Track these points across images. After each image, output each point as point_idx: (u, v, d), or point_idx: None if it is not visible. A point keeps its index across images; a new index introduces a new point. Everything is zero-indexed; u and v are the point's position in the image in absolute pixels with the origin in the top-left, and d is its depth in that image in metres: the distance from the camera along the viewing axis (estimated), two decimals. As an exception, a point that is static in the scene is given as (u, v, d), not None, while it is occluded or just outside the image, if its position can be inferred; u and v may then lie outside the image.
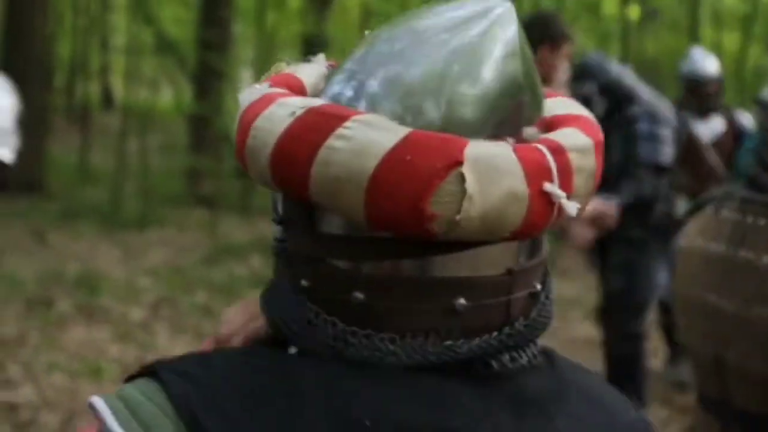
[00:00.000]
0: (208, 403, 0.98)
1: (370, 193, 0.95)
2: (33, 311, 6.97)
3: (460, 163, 0.94)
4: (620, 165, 4.71)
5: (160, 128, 16.48)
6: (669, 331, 6.01)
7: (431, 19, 1.03)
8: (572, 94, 4.63)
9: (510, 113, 1.01)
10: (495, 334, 1.03)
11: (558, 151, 0.99)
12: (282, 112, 1.01)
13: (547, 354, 1.11)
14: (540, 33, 4.63)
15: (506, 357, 1.05)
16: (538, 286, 1.07)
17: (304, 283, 1.05)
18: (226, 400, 0.97)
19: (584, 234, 4.71)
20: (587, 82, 4.77)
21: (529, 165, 0.96)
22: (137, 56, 14.84)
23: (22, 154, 4.50)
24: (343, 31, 16.51)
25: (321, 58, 1.18)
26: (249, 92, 1.09)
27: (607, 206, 4.63)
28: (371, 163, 0.94)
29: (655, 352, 6.27)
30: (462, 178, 0.94)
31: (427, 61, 1.00)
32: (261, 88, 1.09)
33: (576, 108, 1.10)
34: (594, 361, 5.01)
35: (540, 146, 0.98)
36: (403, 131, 0.95)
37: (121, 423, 0.98)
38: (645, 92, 4.88)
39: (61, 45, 17.59)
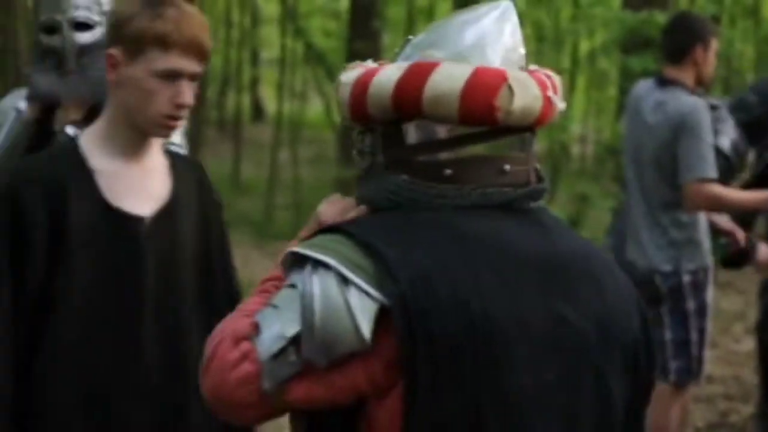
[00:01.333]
0: (376, 236, 1.72)
1: (462, 99, 1.74)
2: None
3: (506, 79, 1.75)
4: None
5: (310, 139, 16.59)
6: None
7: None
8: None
9: (518, 60, 1.83)
10: (524, 188, 1.82)
11: (549, 76, 1.83)
12: (391, 70, 1.78)
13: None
14: (691, 35, 4.76)
15: (530, 201, 1.83)
16: (538, 166, 1.86)
17: (404, 177, 1.80)
18: (385, 233, 1.74)
19: None
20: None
21: (540, 82, 1.79)
22: (287, 68, 14.97)
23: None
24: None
25: None
26: (352, 71, 1.87)
27: None
28: (460, 83, 1.74)
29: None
30: (510, 86, 1.74)
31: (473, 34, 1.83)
32: (360, 67, 1.88)
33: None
34: (753, 376, 4.74)
35: (542, 73, 1.82)
36: (467, 71, 1.75)
37: (326, 255, 1.71)
38: None
39: (213, 58, 17.88)
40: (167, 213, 2.51)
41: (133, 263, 2.44)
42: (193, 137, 11.62)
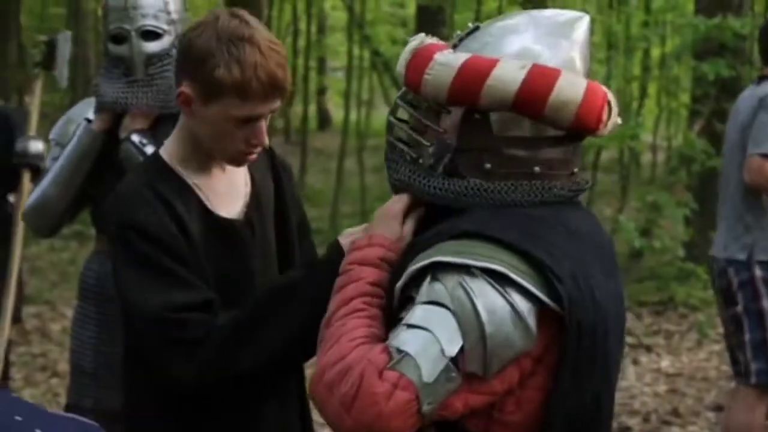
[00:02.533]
0: (513, 236, 1.81)
1: (581, 108, 1.88)
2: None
3: (607, 94, 1.94)
4: None
5: (376, 148, 16.56)
6: None
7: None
8: None
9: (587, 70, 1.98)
10: (584, 185, 2.01)
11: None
12: (513, 68, 1.88)
13: None
14: None
15: (581, 196, 2.03)
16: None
17: (487, 166, 1.92)
18: (517, 232, 1.84)
19: None
20: None
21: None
22: (354, 76, 14.95)
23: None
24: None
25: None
26: (416, 41, 1.98)
27: None
28: (580, 93, 1.88)
29: None
30: (609, 102, 1.94)
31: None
32: (422, 41, 1.99)
33: None
34: None
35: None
36: (583, 82, 1.91)
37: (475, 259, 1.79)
38: None
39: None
40: (256, 207, 2.45)
41: (243, 267, 2.38)
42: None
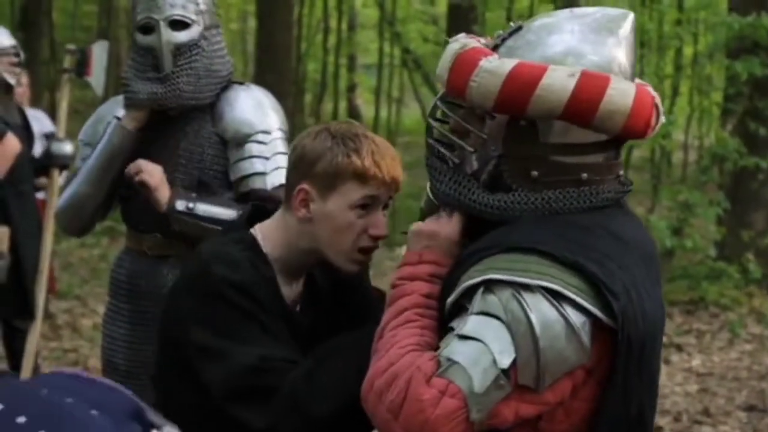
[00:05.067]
0: (562, 248, 1.79)
1: (630, 116, 1.85)
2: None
3: (654, 98, 1.92)
4: None
5: (407, 145, 16.56)
6: None
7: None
8: None
9: (632, 69, 1.94)
10: (628, 189, 2.00)
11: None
12: (562, 77, 1.83)
13: None
14: None
15: (625, 199, 2.03)
16: None
17: (534, 173, 1.90)
18: (564, 243, 1.81)
19: None
20: None
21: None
22: (384, 74, 14.94)
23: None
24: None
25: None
26: (458, 44, 1.93)
27: None
28: (630, 101, 1.84)
29: None
30: (657, 105, 1.92)
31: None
32: (465, 44, 1.93)
33: None
34: None
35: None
36: (633, 89, 1.87)
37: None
38: None
39: (310, 64, 17.97)
40: (312, 303, 2.45)
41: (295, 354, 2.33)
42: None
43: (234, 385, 2.20)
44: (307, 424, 2.15)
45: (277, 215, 2.39)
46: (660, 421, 6.00)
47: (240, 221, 2.47)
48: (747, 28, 8.75)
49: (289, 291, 2.38)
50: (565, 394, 1.79)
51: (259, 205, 2.54)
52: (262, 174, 3.56)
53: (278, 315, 2.28)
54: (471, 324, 1.75)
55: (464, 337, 1.74)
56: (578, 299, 1.74)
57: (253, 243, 2.35)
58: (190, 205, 3.45)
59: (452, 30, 13.36)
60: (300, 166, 2.31)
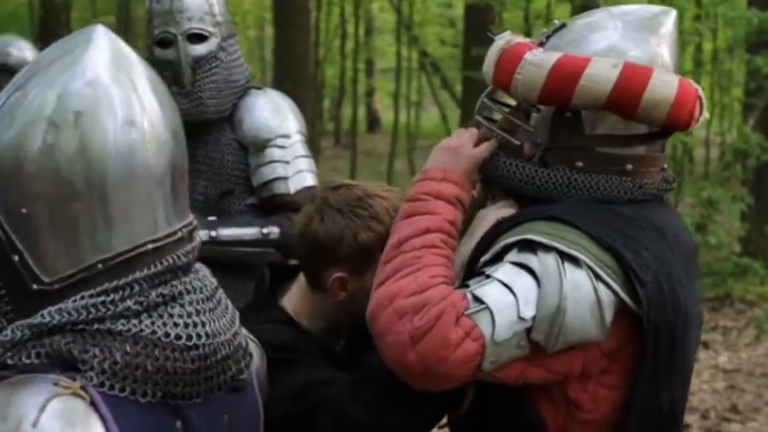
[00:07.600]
0: (604, 233, 1.83)
1: (674, 106, 1.88)
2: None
3: (698, 90, 1.94)
4: None
5: (426, 149, 16.53)
6: None
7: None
8: None
9: (675, 65, 1.98)
10: (672, 183, 2.03)
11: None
12: (605, 68, 1.88)
13: None
14: None
15: (668, 194, 2.05)
16: None
17: (579, 164, 1.93)
18: (607, 229, 1.84)
19: None
20: None
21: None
22: (403, 77, 14.93)
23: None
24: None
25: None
26: (503, 40, 1.97)
27: None
28: (673, 91, 1.88)
29: None
30: (700, 98, 1.94)
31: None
32: (510, 40, 1.97)
33: None
34: None
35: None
36: (676, 80, 1.91)
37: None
38: None
39: (328, 69, 17.98)
40: None
41: None
42: (310, 148, 11.61)
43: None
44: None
45: (306, 293, 2.29)
46: (688, 418, 5.96)
47: (264, 293, 2.35)
48: (767, 22, 8.70)
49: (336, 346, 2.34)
50: (575, 367, 1.82)
51: (275, 264, 2.52)
52: (284, 178, 3.57)
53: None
54: (506, 270, 1.79)
55: (497, 282, 1.77)
56: (607, 278, 1.79)
57: (290, 321, 2.26)
58: (213, 233, 3.46)
59: (470, 32, 13.34)
60: (320, 254, 2.21)
